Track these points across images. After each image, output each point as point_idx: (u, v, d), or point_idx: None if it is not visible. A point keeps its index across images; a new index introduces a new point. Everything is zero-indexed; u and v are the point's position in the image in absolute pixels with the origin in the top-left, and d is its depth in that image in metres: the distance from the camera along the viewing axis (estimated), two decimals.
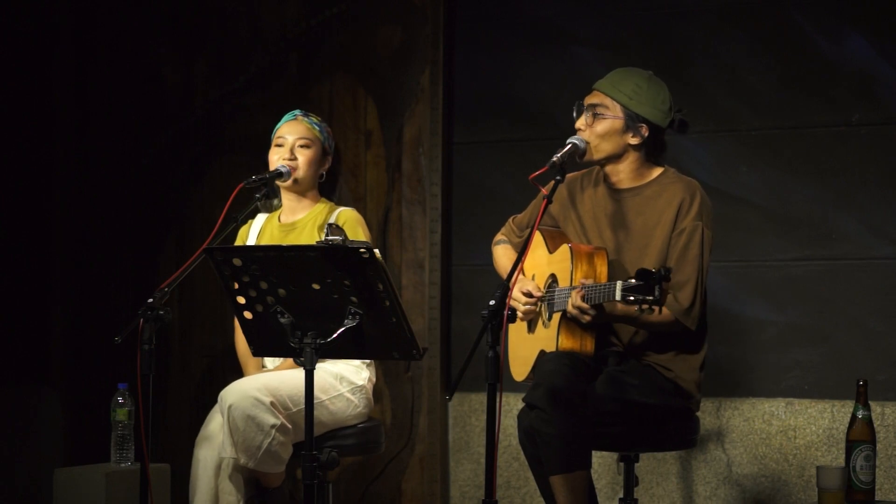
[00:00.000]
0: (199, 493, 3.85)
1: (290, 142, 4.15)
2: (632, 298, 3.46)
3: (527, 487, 5.18)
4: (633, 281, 3.46)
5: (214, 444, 3.86)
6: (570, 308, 3.70)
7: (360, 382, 4.09)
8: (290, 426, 3.87)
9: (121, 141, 5.79)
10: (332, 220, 4.15)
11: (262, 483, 3.94)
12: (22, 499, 5.59)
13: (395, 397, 5.37)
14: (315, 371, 3.98)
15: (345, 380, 4.05)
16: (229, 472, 3.85)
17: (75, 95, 5.83)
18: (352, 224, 4.14)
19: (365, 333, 3.41)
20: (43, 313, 5.77)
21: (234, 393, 3.80)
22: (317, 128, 4.19)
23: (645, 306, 3.46)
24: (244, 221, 4.05)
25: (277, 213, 4.26)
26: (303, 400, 3.90)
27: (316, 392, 3.94)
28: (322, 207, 4.21)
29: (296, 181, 4.14)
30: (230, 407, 3.78)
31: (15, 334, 5.68)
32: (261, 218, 4.27)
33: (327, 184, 4.29)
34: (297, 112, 4.23)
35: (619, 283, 3.51)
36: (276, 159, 4.14)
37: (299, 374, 3.96)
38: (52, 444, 5.71)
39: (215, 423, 3.92)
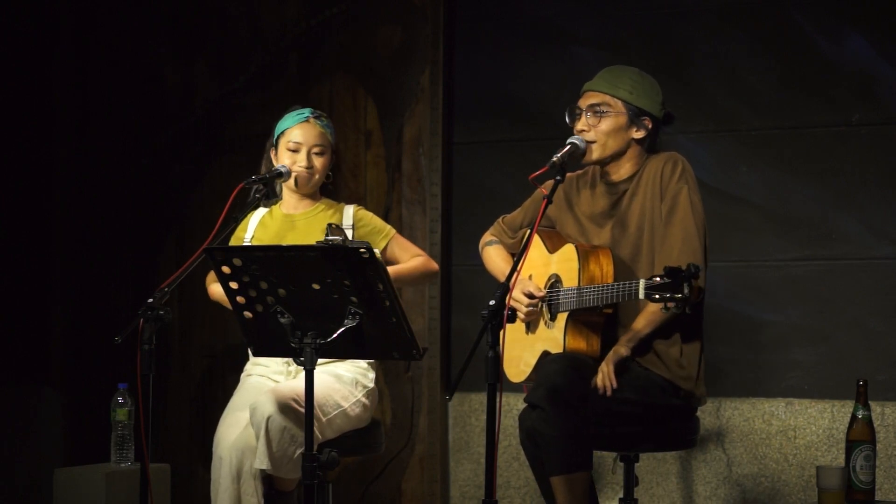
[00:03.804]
0: (222, 489, 3.85)
1: (306, 148, 4.12)
2: (657, 297, 3.44)
3: (527, 487, 5.18)
4: (658, 279, 3.44)
5: (234, 443, 3.86)
6: (602, 381, 3.70)
7: (371, 385, 4.10)
8: (319, 436, 3.87)
9: (121, 141, 5.79)
10: (349, 214, 4.15)
11: (277, 486, 3.93)
12: (22, 499, 5.59)
13: (395, 397, 5.37)
14: (335, 378, 4.00)
15: (359, 384, 4.06)
16: (253, 475, 3.84)
17: (75, 95, 5.83)
18: (369, 218, 4.17)
19: (365, 333, 3.41)
20: (43, 313, 5.77)
21: (271, 406, 3.78)
22: (328, 130, 4.17)
23: (671, 304, 3.44)
24: (245, 216, 4.05)
25: (276, 206, 4.25)
26: (333, 408, 3.92)
27: (337, 400, 3.95)
28: (325, 205, 4.20)
29: (295, 182, 4.13)
30: (269, 419, 3.76)
31: (15, 334, 5.68)
32: (260, 210, 4.25)
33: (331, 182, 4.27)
34: (307, 113, 4.17)
35: (642, 282, 3.50)
36: (291, 164, 4.10)
37: (329, 381, 3.97)
38: (52, 444, 5.71)
39: (233, 425, 3.92)
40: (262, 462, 3.77)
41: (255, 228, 4.21)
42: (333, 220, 4.12)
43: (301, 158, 4.11)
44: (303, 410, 3.76)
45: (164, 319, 3.48)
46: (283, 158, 4.13)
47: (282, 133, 4.16)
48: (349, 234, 4.12)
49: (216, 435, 3.92)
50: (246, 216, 4.14)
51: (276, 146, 4.17)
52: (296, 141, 4.12)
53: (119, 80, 5.81)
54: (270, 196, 4.15)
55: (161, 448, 5.30)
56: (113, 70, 5.82)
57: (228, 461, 3.84)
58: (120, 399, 4.31)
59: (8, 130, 5.69)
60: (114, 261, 5.79)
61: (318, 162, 4.13)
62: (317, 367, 3.97)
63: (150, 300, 3.48)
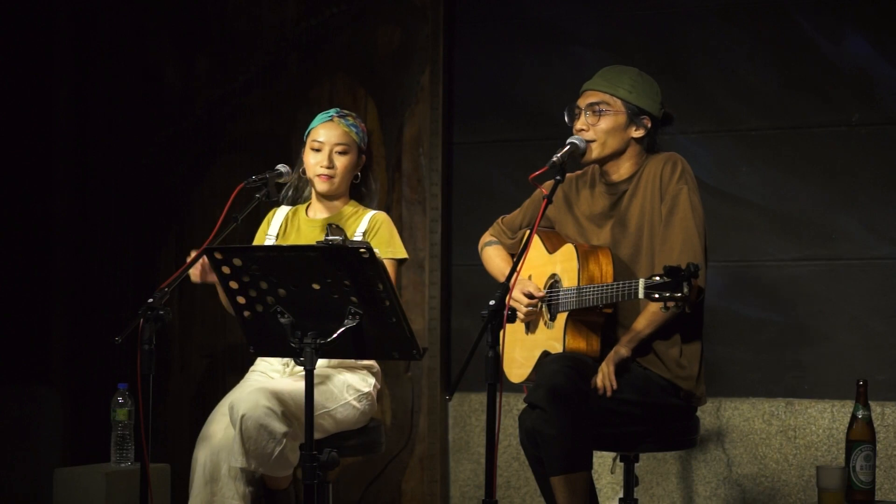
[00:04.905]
0: (193, 495, 3.84)
1: (328, 148, 4.08)
2: (657, 296, 3.44)
3: (527, 487, 5.18)
4: (658, 278, 3.44)
5: (213, 445, 3.85)
6: (602, 382, 3.70)
7: (366, 389, 4.07)
8: (300, 433, 3.86)
9: (121, 141, 5.79)
10: (366, 222, 4.12)
11: (268, 485, 3.92)
12: (22, 499, 5.59)
13: (395, 397, 5.37)
14: (323, 381, 3.99)
15: (351, 387, 4.04)
16: (232, 476, 3.82)
17: (75, 95, 5.83)
18: (381, 229, 4.11)
19: (365, 333, 3.40)
20: (43, 313, 5.77)
21: (247, 402, 3.76)
22: (353, 129, 4.11)
23: (671, 304, 3.44)
24: (271, 207, 4.05)
25: (304, 206, 4.23)
26: (316, 409, 3.90)
27: (323, 401, 3.93)
28: (351, 210, 4.17)
29: (315, 183, 4.11)
30: (243, 417, 3.74)
31: (15, 334, 5.68)
32: (283, 209, 4.22)
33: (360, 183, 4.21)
34: (332, 112, 4.14)
35: (641, 281, 3.49)
36: (314, 164, 4.08)
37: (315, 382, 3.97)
38: (52, 444, 5.71)
39: (216, 425, 3.91)
40: (237, 460, 3.76)
41: (278, 227, 4.19)
42: (352, 228, 4.10)
43: (322, 158, 4.08)
44: (279, 409, 3.77)
45: (164, 319, 3.48)
46: (307, 158, 4.11)
47: (308, 133, 4.14)
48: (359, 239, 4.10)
49: (199, 434, 3.91)
50: (268, 214, 4.16)
51: (304, 145, 4.16)
52: (319, 140, 4.09)
53: (119, 80, 5.81)
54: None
55: (161, 448, 5.30)
56: (113, 70, 5.82)
57: (203, 463, 3.82)
58: (120, 399, 4.31)
59: (8, 130, 5.69)
60: (114, 261, 5.79)
61: (339, 162, 4.09)
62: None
63: (150, 300, 3.48)
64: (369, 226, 4.10)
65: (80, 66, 5.83)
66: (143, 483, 3.50)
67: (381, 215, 4.14)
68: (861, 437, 3.99)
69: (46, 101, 5.79)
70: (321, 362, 3.61)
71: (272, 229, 4.19)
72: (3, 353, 5.64)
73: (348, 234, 4.08)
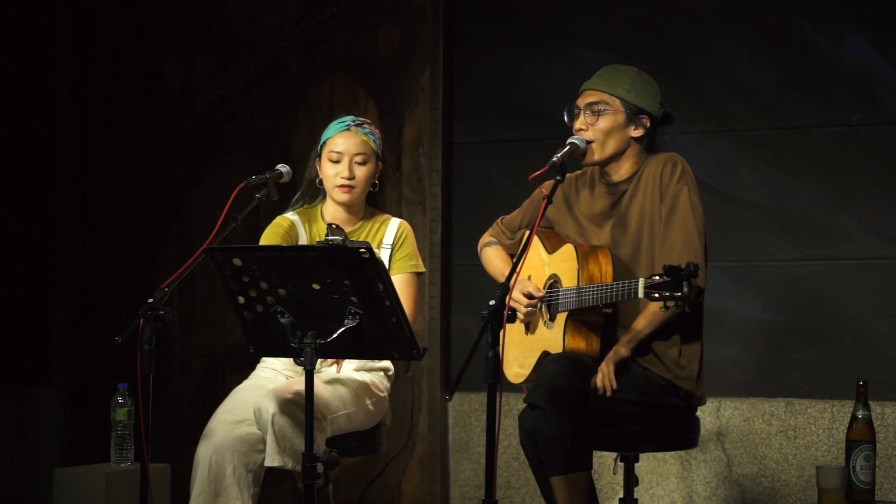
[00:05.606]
0: (195, 493, 3.84)
1: (348, 158, 4.04)
2: (656, 295, 3.43)
3: (527, 487, 5.18)
4: (658, 277, 3.44)
5: (215, 443, 3.85)
6: (602, 382, 3.70)
7: (383, 394, 4.08)
8: (328, 427, 3.86)
9: (121, 141, 5.79)
10: (392, 232, 4.10)
11: (300, 485, 3.92)
12: (22, 499, 5.59)
13: (395, 397, 5.37)
14: (345, 383, 3.99)
15: (370, 390, 4.04)
16: (236, 477, 3.82)
17: (75, 95, 5.83)
18: (408, 242, 4.10)
19: (365, 333, 3.40)
20: (43, 313, 5.77)
21: (275, 402, 3.76)
22: (371, 138, 4.08)
23: (671, 303, 3.44)
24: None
25: (316, 211, 4.20)
26: (337, 409, 3.91)
27: (345, 403, 3.94)
28: (375, 218, 4.14)
29: (333, 194, 4.09)
30: (274, 415, 3.73)
31: (15, 334, 5.68)
32: (293, 217, 4.14)
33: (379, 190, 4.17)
34: (348, 121, 4.11)
35: (641, 281, 3.49)
36: (333, 175, 4.04)
37: (337, 384, 3.98)
38: (52, 444, 5.71)
39: (220, 423, 3.91)
40: (272, 459, 3.75)
41: (307, 238, 4.14)
42: (377, 238, 4.10)
43: (343, 169, 4.04)
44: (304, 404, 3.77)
45: (164, 319, 3.47)
46: (325, 168, 4.07)
47: (324, 143, 4.10)
48: (387, 251, 4.10)
49: (203, 431, 3.90)
50: (282, 224, 4.09)
51: (319, 156, 4.12)
52: (337, 151, 4.05)
53: (119, 79, 5.81)
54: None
55: (161, 448, 5.30)
56: (113, 70, 5.82)
57: (206, 462, 3.81)
58: (120, 399, 4.31)
59: (8, 130, 5.69)
60: (114, 261, 5.79)
61: (359, 172, 4.05)
62: (334, 369, 3.93)
63: (150, 300, 3.48)
64: (397, 236, 4.10)
65: (80, 66, 5.83)
66: (143, 483, 3.50)
67: (406, 225, 4.14)
68: (861, 437, 3.99)
69: (46, 101, 5.79)
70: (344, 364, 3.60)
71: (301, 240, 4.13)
72: (3, 353, 5.64)
73: (374, 243, 4.07)
